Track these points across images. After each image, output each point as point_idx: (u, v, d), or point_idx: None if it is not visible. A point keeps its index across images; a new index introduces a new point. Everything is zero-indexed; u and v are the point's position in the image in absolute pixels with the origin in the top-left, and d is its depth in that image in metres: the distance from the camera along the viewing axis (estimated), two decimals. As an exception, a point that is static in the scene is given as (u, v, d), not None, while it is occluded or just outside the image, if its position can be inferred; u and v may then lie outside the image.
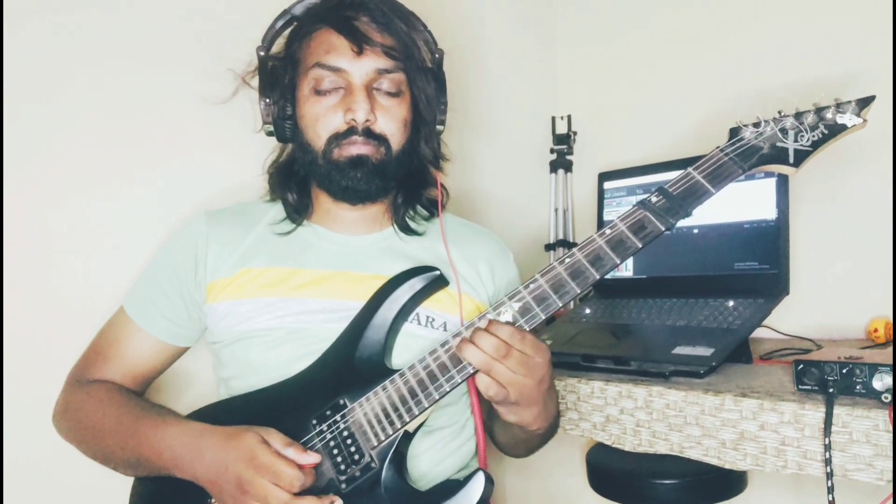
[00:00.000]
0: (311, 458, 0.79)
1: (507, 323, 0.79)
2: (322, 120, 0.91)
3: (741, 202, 1.21)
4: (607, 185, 1.46)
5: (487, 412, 1.02)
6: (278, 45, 0.98)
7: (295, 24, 0.97)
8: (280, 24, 0.97)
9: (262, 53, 0.96)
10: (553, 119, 1.69)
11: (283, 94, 0.96)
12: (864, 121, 0.82)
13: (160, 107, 1.12)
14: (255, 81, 0.99)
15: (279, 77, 0.96)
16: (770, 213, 1.19)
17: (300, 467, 0.77)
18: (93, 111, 1.06)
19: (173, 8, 1.13)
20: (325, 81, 0.91)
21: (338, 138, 0.91)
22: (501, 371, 0.77)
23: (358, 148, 0.91)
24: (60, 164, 1.04)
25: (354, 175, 0.91)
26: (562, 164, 1.67)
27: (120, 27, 1.08)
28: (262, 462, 0.76)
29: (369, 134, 0.91)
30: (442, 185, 1.01)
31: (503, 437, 1.02)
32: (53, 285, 1.03)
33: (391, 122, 0.93)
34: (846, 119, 0.82)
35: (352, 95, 0.90)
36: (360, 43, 0.89)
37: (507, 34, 1.68)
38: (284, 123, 0.97)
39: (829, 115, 0.83)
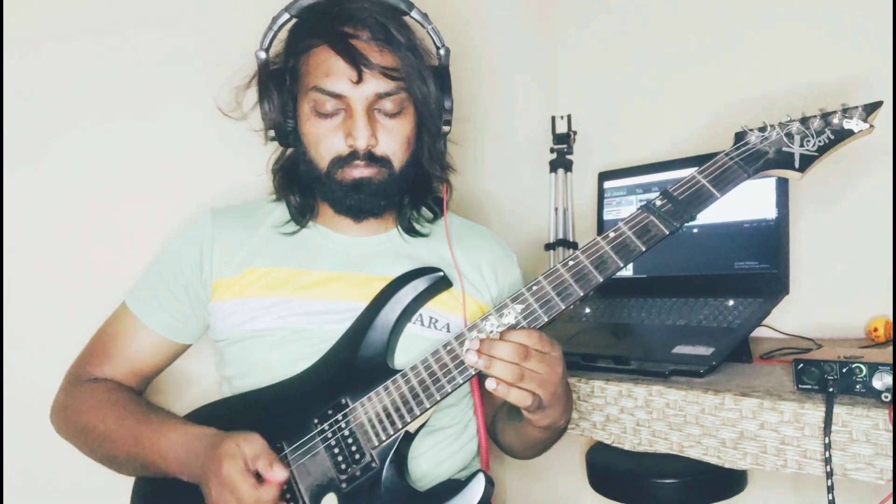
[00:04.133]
0: (277, 475, 0.75)
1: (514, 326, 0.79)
2: (324, 142, 0.91)
3: (741, 202, 1.21)
4: (607, 184, 1.46)
5: (489, 414, 1.03)
6: (278, 47, 0.97)
7: (294, 22, 0.94)
8: (278, 24, 0.94)
9: (262, 56, 0.94)
10: (553, 119, 1.69)
11: (284, 104, 0.95)
12: (871, 126, 0.81)
13: (161, 106, 1.11)
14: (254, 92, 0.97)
15: (279, 84, 0.95)
16: (770, 212, 1.19)
17: (267, 480, 0.74)
18: (93, 111, 1.06)
19: (175, 6, 1.12)
20: (326, 105, 0.90)
21: (340, 161, 0.91)
22: (530, 376, 0.77)
23: (360, 171, 0.91)
24: (60, 164, 1.04)
25: (357, 196, 0.92)
26: (562, 163, 1.67)
27: (121, 26, 1.08)
28: (225, 476, 0.75)
29: (371, 157, 0.91)
30: (448, 183, 1.01)
31: (514, 441, 0.99)
32: (53, 285, 1.03)
33: (393, 142, 0.92)
34: (853, 124, 0.81)
35: (352, 120, 0.89)
36: (358, 67, 0.87)
37: (507, 34, 1.68)
38: (286, 131, 0.96)
39: (835, 121, 0.82)
